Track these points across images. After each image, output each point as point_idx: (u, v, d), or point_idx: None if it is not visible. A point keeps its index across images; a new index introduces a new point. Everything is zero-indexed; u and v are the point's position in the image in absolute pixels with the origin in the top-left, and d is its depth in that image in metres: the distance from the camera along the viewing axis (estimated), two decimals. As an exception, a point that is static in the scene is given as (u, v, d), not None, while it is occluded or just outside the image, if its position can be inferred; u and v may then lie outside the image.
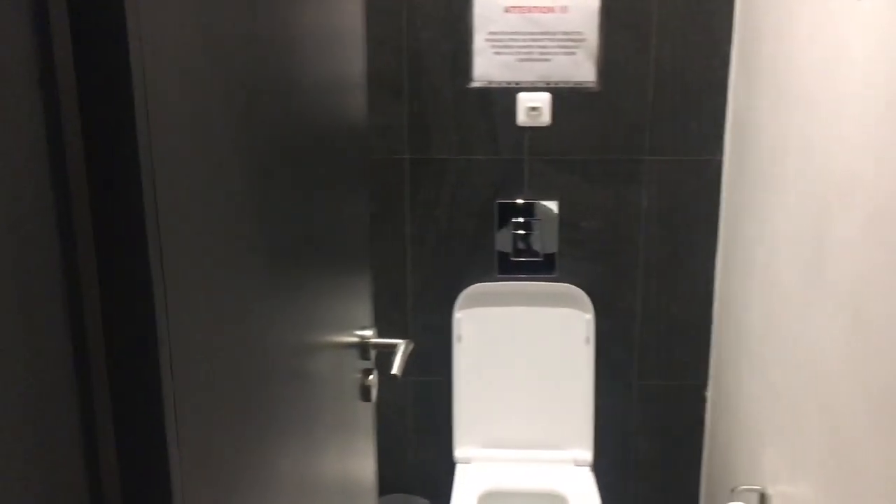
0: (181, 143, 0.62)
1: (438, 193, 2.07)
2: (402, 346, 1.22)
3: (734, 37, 1.93)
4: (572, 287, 2.07)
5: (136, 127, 0.54)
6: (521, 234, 2.08)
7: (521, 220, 2.06)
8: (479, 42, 1.97)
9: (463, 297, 2.09)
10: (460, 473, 2.07)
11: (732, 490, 1.66)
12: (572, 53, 1.96)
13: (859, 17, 1.24)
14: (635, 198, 2.04)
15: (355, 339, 1.21)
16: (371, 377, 1.24)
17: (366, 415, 1.29)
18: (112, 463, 0.57)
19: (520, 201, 2.06)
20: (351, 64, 1.24)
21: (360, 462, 1.28)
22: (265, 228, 0.82)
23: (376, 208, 2.07)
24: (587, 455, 2.10)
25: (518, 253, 2.09)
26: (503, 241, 2.08)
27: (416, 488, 2.23)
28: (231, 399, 0.73)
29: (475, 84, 2.00)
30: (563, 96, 1.99)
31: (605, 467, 2.18)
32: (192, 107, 0.64)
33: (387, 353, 1.25)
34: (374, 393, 1.24)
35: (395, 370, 1.19)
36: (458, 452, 2.13)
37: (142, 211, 0.56)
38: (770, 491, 1.64)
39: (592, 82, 1.98)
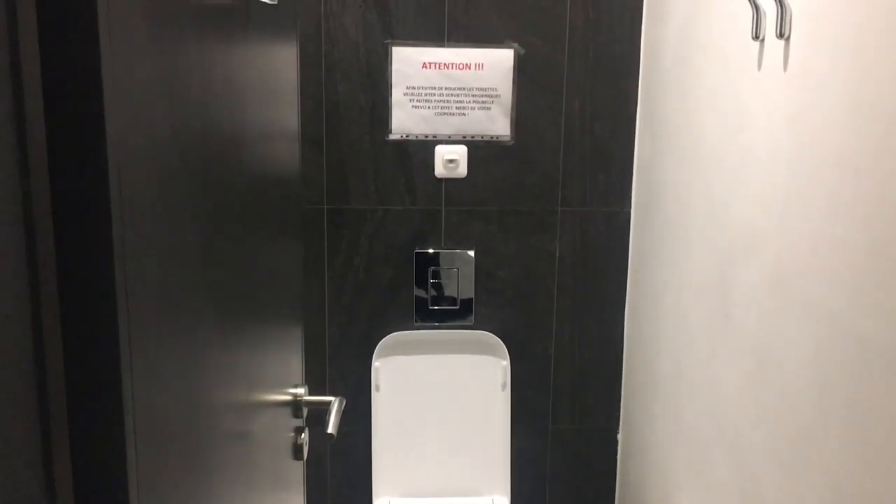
0: (143, 199, 0.62)
1: (356, 243, 2.08)
2: (335, 404, 1.22)
3: (640, 94, 2.04)
4: (488, 334, 2.11)
5: (108, 188, 0.55)
6: (437, 282, 2.11)
7: (437, 268, 2.10)
8: (398, 96, 2.01)
9: (381, 345, 2.10)
10: (380, 524, 2.06)
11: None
12: (487, 108, 2.03)
13: (759, 83, 1.34)
14: (549, 247, 2.11)
15: (288, 397, 1.21)
16: (303, 435, 1.23)
17: (297, 472, 1.28)
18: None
19: (437, 250, 2.10)
20: (287, 116, 1.26)
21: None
22: (210, 283, 0.82)
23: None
24: (505, 501, 2.13)
25: (435, 301, 2.12)
26: (420, 289, 2.11)
27: (334, 541, 2.20)
28: (178, 456, 0.72)
29: (393, 136, 2.04)
30: (479, 149, 2.05)
31: (523, 512, 2.21)
32: (151, 162, 0.65)
33: (319, 411, 1.25)
34: (305, 451, 1.24)
35: (330, 429, 1.19)
36: (378, 503, 2.12)
37: (108, 271, 0.56)
38: (683, 530, 1.70)
39: (507, 136, 2.05)
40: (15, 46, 0.50)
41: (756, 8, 1.33)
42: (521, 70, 2.02)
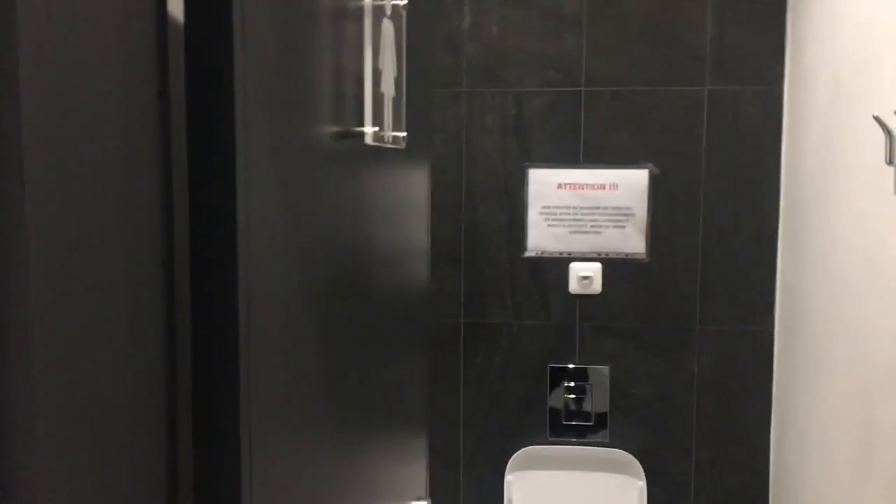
0: (270, 317, 0.71)
1: (492, 356, 2.13)
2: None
3: (781, 212, 2.01)
4: (624, 453, 2.07)
5: (238, 302, 0.63)
6: (572, 397, 2.11)
7: (572, 383, 2.10)
8: (534, 215, 2.09)
9: (514, 459, 2.11)
10: None
11: None
12: (622, 227, 2.06)
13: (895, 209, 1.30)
14: (687, 365, 2.07)
15: (408, 511, 1.25)
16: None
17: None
18: None
19: (571, 366, 2.11)
20: (417, 236, 1.35)
21: None
22: (333, 396, 0.89)
23: (432, 370, 2.14)
24: None
25: (569, 416, 2.11)
26: (555, 404, 2.12)
27: None
28: None
29: (529, 254, 2.10)
30: (614, 266, 2.07)
31: None
32: (279, 295, 0.74)
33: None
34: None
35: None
36: None
37: (233, 387, 0.64)
38: None
39: (642, 254, 2.06)
40: (168, 176, 0.61)
41: (889, 133, 1.30)
42: (657, 189, 2.04)
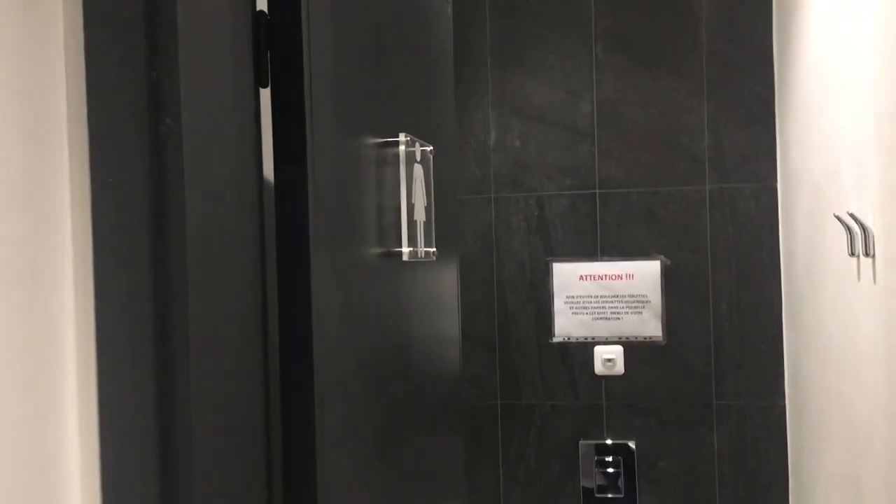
0: (333, 402, 0.95)
1: (527, 435, 2.33)
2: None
3: (783, 298, 2.21)
4: (653, 524, 2.23)
5: (314, 401, 0.88)
6: (603, 472, 2.29)
7: (602, 458, 2.29)
8: (559, 304, 2.32)
9: (551, 531, 2.28)
10: None
11: None
12: (640, 312, 2.28)
13: (860, 294, 1.51)
14: (707, 439, 2.25)
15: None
16: None
17: None
18: None
19: (600, 442, 2.30)
20: (449, 326, 1.59)
21: None
22: (382, 470, 1.12)
23: (472, 451, 2.35)
24: None
25: (601, 489, 2.29)
26: (587, 478, 2.30)
27: None
28: None
29: (556, 339, 2.33)
30: (634, 349, 2.28)
31: None
32: (340, 374, 0.98)
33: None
34: None
35: None
36: None
37: (311, 462, 0.88)
38: None
39: (659, 337, 2.27)
40: (265, 298, 0.87)
41: (848, 228, 1.53)
42: (669, 278, 2.27)
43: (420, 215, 1.21)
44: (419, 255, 1.21)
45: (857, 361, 1.57)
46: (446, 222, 1.45)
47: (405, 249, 1.15)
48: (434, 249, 1.28)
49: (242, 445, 0.81)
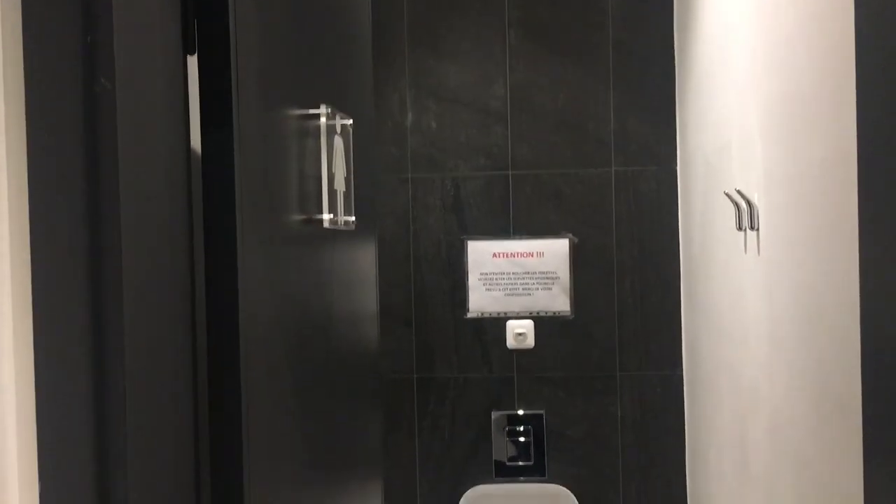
0: (258, 364, 1.01)
1: (442, 406, 2.42)
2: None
3: (681, 273, 2.36)
4: (561, 488, 2.36)
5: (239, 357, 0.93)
6: (514, 441, 2.40)
7: (513, 428, 2.40)
8: (473, 280, 2.41)
9: (465, 498, 2.37)
10: None
11: None
12: (549, 288, 2.39)
13: (746, 265, 1.65)
14: (611, 408, 2.38)
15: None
16: (379, 559, 1.53)
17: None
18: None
19: (511, 412, 2.40)
20: (367, 303, 1.65)
21: None
22: (303, 435, 1.18)
23: (390, 422, 2.42)
24: None
25: (512, 457, 2.40)
26: (498, 447, 2.40)
27: None
28: None
29: (471, 315, 2.42)
30: (544, 323, 2.40)
31: None
32: (265, 341, 1.04)
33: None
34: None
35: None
36: None
37: (237, 413, 0.93)
38: None
39: (567, 311, 2.39)
40: (191, 265, 0.91)
41: (736, 204, 1.66)
42: (577, 256, 2.39)
43: (340, 185, 1.27)
44: (339, 224, 1.27)
45: (744, 330, 1.72)
46: (365, 196, 1.51)
47: (326, 216, 1.20)
48: (353, 219, 1.35)
49: (172, 411, 0.86)
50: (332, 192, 1.24)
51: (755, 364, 1.62)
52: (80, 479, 0.74)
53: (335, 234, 1.35)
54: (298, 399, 1.17)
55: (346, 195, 1.31)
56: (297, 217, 1.17)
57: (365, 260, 1.65)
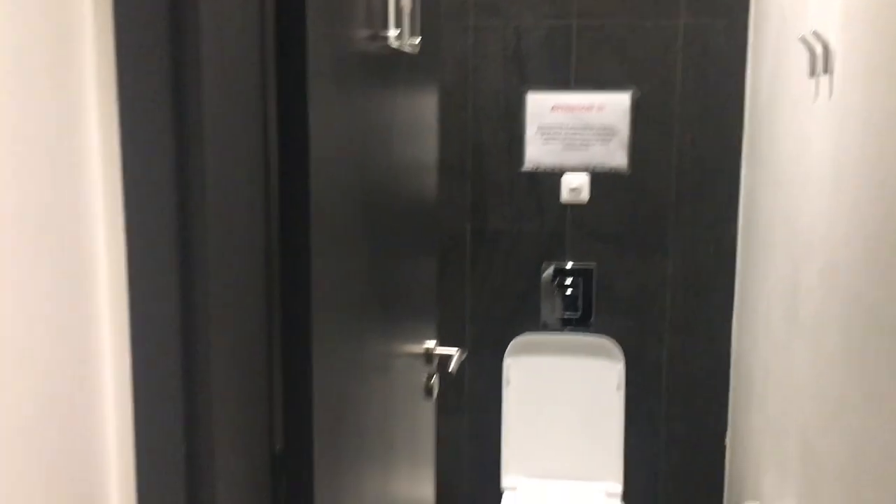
0: (328, 209, 1.03)
1: (494, 258, 2.47)
2: (457, 353, 1.60)
3: (745, 129, 2.31)
4: (606, 339, 2.41)
5: (310, 200, 0.96)
6: (563, 292, 2.45)
7: (562, 280, 2.44)
8: (531, 133, 2.40)
9: (512, 345, 2.45)
10: (507, 499, 2.39)
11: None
12: (607, 143, 2.37)
13: (813, 113, 1.62)
14: (662, 264, 2.40)
15: (422, 350, 1.60)
16: (433, 379, 1.61)
17: (428, 411, 1.66)
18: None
19: (562, 265, 2.44)
20: (428, 152, 1.67)
21: (422, 449, 1.64)
22: (371, 275, 1.22)
23: (442, 269, 2.48)
24: (618, 487, 2.40)
25: (560, 310, 2.45)
26: (547, 299, 2.46)
27: (468, 515, 2.55)
28: (350, 393, 1.12)
29: (526, 168, 2.42)
30: (600, 178, 2.39)
31: (635, 499, 2.46)
32: (337, 197, 1.06)
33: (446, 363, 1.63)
34: (434, 392, 1.62)
35: (451, 369, 1.57)
36: (505, 481, 2.46)
37: (306, 263, 0.97)
38: (767, 509, 1.92)
39: (624, 167, 2.38)
40: (264, 110, 0.92)
41: (811, 50, 1.61)
42: (637, 109, 2.35)
43: (406, 1, 1.26)
44: (404, 44, 1.27)
45: (805, 177, 1.70)
46: (428, 25, 1.49)
47: (391, 32, 1.20)
48: (418, 39, 1.34)
49: (248, 261, 0.88)
50: (399, 9, 1.23)
51: (814, 211, 1.61)
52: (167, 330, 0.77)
53: (399, 60, 1.35)
54: (366, 246, 1.20)
55: (412, 14, 1.30)
56: (364, 32, 1.17)
57: (427, 106, 1.65)
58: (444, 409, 2.54)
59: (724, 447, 2.44)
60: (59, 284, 0.70)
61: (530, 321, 2.48)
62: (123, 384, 0.78)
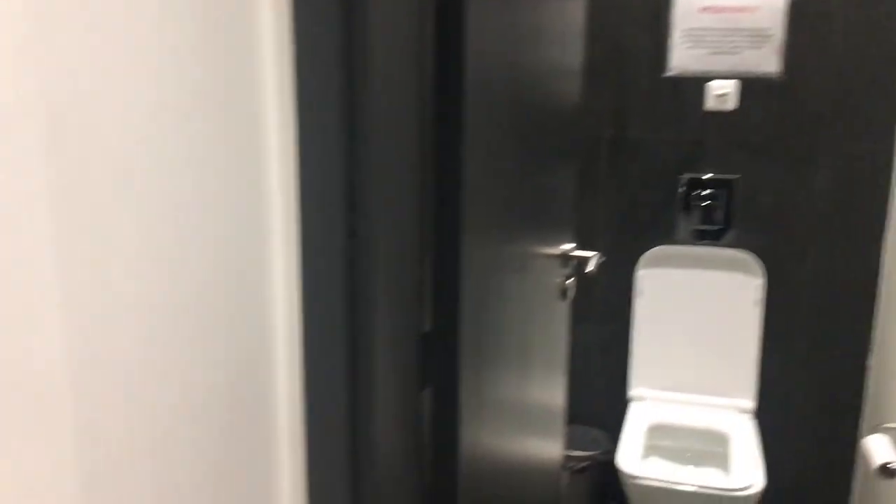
0: (482, 113, 1.04)
1: (632, 166, 2.42)
2: (594, 256, 1.60)
3: (914, 35, 2.13)
4: (745, 254, 2.34)
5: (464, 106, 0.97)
6: (701, 204, 2.38)
7: (703, 191, 2.37)
8: (676, 37, 2.30)
9: (645, 257, 2.42)
10: (633, 409, 2.41)
11: (876, 426, 1.88)
12: (759, 48, 2.25)
13: None
14: (811, 179, 2.29)
15: (559, 251, 1.60)
16: (569, 281, 1.63)
17: (562, 313, 1.68)
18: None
19: (702, 175, 2.36)
20: (573, 56, 1.63)
21: (556, 350, 1.67)
22: (516, 178, 1.23)
23: (579, 177, 2.46)
24: (750, 404, 2.37)
25: (699, 220, 2.39)
26: (685, 210, 2.40)
27: (595, 422, 2.59)
28: (493, 285, 1.15)
29: (670, 73, 2.33)
30: (749, 84, 2.28)
31: (766, 417, 2.43)
32: (489, 108, 1.07)
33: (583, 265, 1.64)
34: (569, 294, 1.63)
35: (588, 269, 1.57)
36: (633, 392, 2.47)
37: (462, 161, 0.98)
38: (912, 432, 1.85)
39: (777, 73, 2.25)
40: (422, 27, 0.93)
41: None
42: (795, 11, 2.20)
43: None
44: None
45: None
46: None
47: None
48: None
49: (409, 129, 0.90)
50: None
51: None
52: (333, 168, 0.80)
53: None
54: (510, 140, 1.20)
55: None
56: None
57: (576, 5, 1.61)
58: (576, 318, 2.56)
59: (865, 368, 2.35)
60: (237, 161, 0.75)
61: (666, 233, 2.43)
62: (290, 261, 0.83)
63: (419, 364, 1.01)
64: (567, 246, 1.63)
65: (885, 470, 1.77)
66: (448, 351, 1.05)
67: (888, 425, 1.88)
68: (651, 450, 2.32)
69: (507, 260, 1.23)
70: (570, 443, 2.45)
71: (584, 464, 2.40)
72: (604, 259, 1.63)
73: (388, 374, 0.90)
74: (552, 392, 1.68)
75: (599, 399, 2.59)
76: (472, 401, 1.11)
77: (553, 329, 1.63)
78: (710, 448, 2.28)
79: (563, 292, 1.63)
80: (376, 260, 0.85)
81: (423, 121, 0.95)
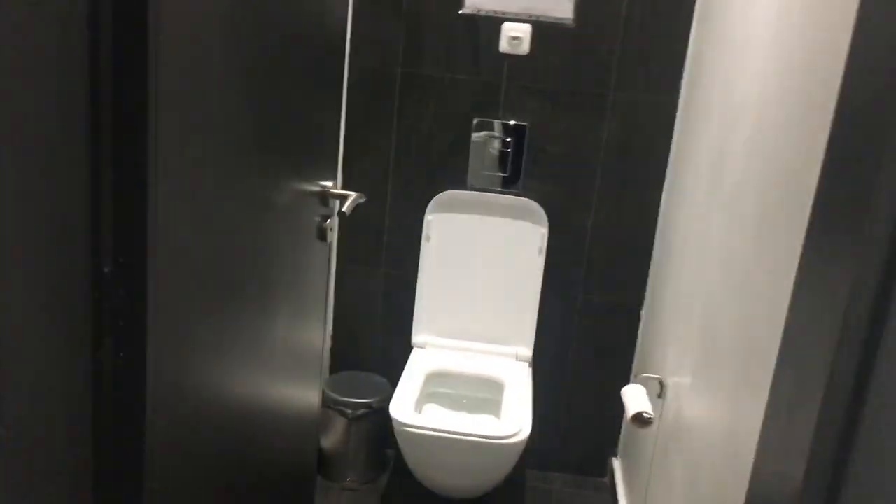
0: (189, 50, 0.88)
1: (423, 106, 2.32)
2: (353, 196, 1.48)
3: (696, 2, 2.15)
4: (532, 202, 2.32)
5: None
6: (491, 149, 2.33)
7: (493, 136, 2.32)
8: (473, -28, 2.21)
9: (434, 201, 2.35)
10: (414, 356, 2.35)
11: (636, 376, 1.92)
12: (554, -9, 2.19)
13: (764, -35, 1.47)
14: (598, 127, 2.28)
15: (317, 188, 1.48)
16: (328, 221, 1.51)
17: (322, 252, 1.56)
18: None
19: (494, 120, 2.31)
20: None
21: (312, 292, 1.56)
22: (248, 121, 1.08)
23: (367, 115, 2.33)
24: (527, 352, 2.38)
25: (488, 166, 2.34)
26: (475, 155, 2.34)
27: (378, 368, 2.52)
28: (218, 223, 1.00)
29: (465, 11, 2.24)
30: (543, 29, 2.23)
31: (543, 365, 2.45)
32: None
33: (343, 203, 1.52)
34: (329, 236, 1.52)
35: (344, 209, 1.46)
36: (416, 338, 2.41)
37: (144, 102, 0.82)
38: (668, 381, 1.90)
39: (570, 20, 2.21)
40: None
41: None
42: (589, -43, 2.16)
43: None
44: None
45: (744, 42, 1.57)
46: None
47: None
48: None
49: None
50: None
51: (750, 73, 1.49)
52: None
53: None
54: (236, 82, 1.04)
55: None
56: None
57: None
58: (361, 261, 2.46)
59: (638, 320, 2.41)
60: None
61: (456, 177, 2.37)
62: None
63: (93, 310, 0.86)
64: (326, 183, 1.51)
65: (638, 418, 1.81)
66: (132, 292, 0.91)
67: (647, 375, 1.93)
68: (429, 397, 2.28)
69: (233, 195, 1.09)
70: (352, 390, 2.37)
71: (361, 411, 2.33)
72: (363, 199, 1.52)
73: (32, 324, 0.75)
74: (306, 336, 1.57)
75: (386, 346, 2.52)
76: (172, 346, 0.97)
77: (308, 270, 1.52)
78: (486, 395, 2.27)
79: (322, 232, 1.51)
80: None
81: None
